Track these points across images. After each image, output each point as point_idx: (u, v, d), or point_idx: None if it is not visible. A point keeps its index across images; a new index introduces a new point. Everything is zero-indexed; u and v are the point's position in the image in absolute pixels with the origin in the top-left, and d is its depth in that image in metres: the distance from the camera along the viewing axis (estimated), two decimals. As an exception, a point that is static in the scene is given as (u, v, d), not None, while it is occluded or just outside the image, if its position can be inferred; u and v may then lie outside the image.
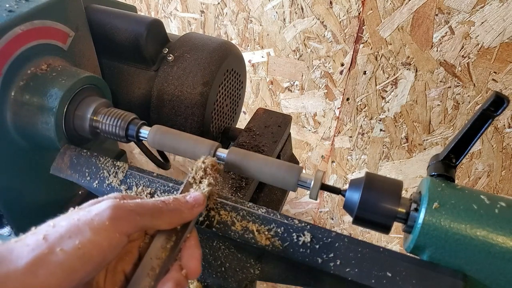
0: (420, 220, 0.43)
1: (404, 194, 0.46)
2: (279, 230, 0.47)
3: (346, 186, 0.48)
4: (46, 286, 0.31)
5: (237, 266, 0.51)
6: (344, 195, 0.48)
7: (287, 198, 0.73)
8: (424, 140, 1.19)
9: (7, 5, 0.55)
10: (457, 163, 0.47)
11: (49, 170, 0.57)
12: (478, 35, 0.98)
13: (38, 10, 0.56)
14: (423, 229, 0.43)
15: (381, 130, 1.22)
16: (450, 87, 1.07)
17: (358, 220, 0.47)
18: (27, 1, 0.56)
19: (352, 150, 1.31)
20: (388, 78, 1.13)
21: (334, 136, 1.31)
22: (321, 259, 0.45)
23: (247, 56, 1.28)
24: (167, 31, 0.73)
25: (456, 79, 1.06)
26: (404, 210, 0.45)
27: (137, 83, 0.71)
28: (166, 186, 0.52)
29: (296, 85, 1.27)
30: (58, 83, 0.55)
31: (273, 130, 0.70)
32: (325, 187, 0.49)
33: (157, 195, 0.51)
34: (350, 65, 1.15)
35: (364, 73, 1.15)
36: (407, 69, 1.09)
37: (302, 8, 1.13)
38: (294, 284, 0.50)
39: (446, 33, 1.00)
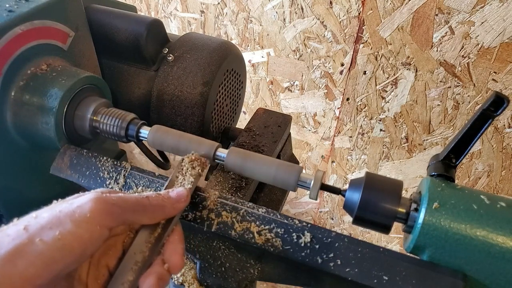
0: (420, 220, 0.43)
1: (404, 194, 0.46)
2: (279, 230, 0.47)
3: (346, 186, 0.48)
4: (24, 276, 0.31)
5: (237, 266, 0.51)
6: (344, 195, 0.48)
7: (287, 198, 0.73)
8: (424, 140, 1.19)
9: (7, 5, 0.55)
10: (457, 163, 0.47)
11: (49, 170, 0.57)
12: (478, 35, 0.98)
13: (38, 10, 0.56)
14: (423, 229, 0.43)
15: (381, 130, 1.22)
16: (450, 87, 1.07)
17: (358, 220, 0.47)
18: (27, 1, 0.56)
19: (352, 150, 1.31)
20: (388, 78, 1.13)
21: (334, 136, 1.31)
22: (321, 259, 0.45)
23: (247, 56, 1.28)
24: (167, 31, 0.73)
25: (456, 79, 1.06)
26: (404, 210, 0.45)
27: (137, 83, 0.71)
28: (166, 186, 0.52)
29: (296, 85, 1.27)
30: (58, 83, 0.55)
31: (273, 130, 0.70)
32: (325, 187, 0.49)
33: None
34: (350, 65, 1.15)
35: (364, 73, 1.15)
36: (407, 69, 1.09)
37: (302, 8, 1.13)
38: (294, 284, 0.50)
39: (446, 33, 1.00)
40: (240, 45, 1.28)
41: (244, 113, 1.42)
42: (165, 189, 0.46)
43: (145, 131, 0.56)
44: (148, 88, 0.70)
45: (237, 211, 0.48)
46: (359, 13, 1.06)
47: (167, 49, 0.71)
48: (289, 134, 0.76)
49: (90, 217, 0.35)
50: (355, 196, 0.46)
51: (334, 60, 1.17)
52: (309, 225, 0.47)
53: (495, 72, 1.01)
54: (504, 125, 1.07)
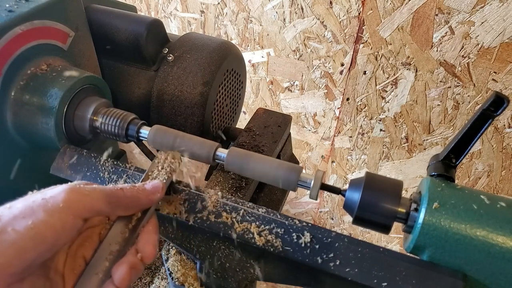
0: (420, 220, 0.43)
1: (404, 194, 0.46)
2: (279, 230, 0.47)
3: (346, 186, 0.48)
4: None
5: (237, 266, 0.51)
6: (344, 195, 0.48)
7: (287, 198, 0.73)
8: (424, 140, 1.19)
9: (7, 5, 0.55)
10: (457, 163, 0.47)
11: (49, 170, 0.57)
12: (478, 35, 0.98)
13: (38, 10, 0.56)
14: (423, 229, 0.43)
15: (381, 130, 1.22)
16: (450, 87, 1.07)
17: (358, 220, 0.47)
18: (27, 1, 0.56)
19: (352, 150, 1.31)
20: (388, 78, 1.13)
21: (334, 136, 1.31)
22: (321, 259, 0.45)
23: (247, 56, 1.28)
24: (167, 31, 0.73)
25: (456, 79, 1.06)
26: (404, 210, 0.45)
27: (137, 83, 0.71)
28: (166, 186, 0.52)
29: (296, 85, 1.27)
30: (58, 83, 0.55)
31: (273, 130, 0.70)
32: (325, 187, 0.49)
33: None
34: (350, 65, 1.15)
35: (364, 73, 1.15)
36: (407, 69, 1.09)
37: (302, 8, 1.13)
38: (294, 284, 0.50)
39: (446, 33, 1.00)
40: (240, 45, 1.28)
41: (244, 113, 1.42)
42: (141, 182, 0.47)
43: (145, 131, 0.56)
44: (148, 88, 0.70)
45: (237, 211, 0.48)
46: (359, 13, 1.06)
47: (167, 49, 0.71)
48: (289, 134, 0.76)
49: (63, 207, 0.35)
50: (355, 196, 0.46)
51: (334, 60, 1.17)
52: (309, 225, 0.47)
53: (495, 72, 1.01)
54: (504, 125, 1.07)
